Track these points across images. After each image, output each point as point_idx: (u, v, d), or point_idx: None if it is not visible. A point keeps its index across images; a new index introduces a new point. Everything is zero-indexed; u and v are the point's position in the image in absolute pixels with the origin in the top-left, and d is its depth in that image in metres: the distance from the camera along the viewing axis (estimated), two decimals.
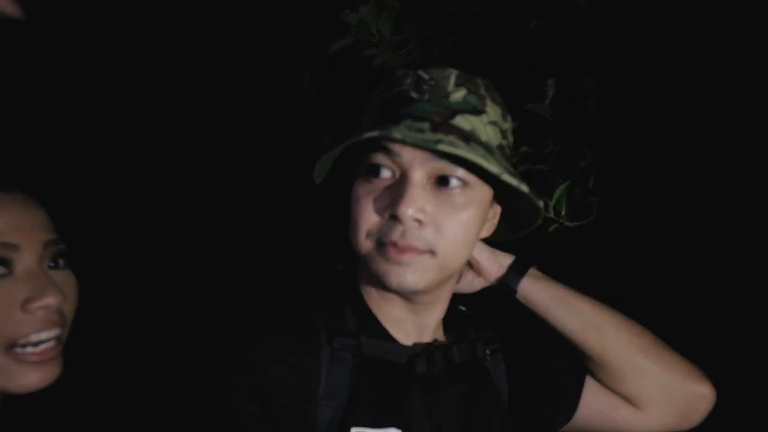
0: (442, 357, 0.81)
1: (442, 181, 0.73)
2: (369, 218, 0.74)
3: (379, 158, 0.73)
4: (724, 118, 1.46)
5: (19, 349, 0.67)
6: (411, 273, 0.72)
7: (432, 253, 0.73)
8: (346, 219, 0.79)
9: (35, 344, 0.68)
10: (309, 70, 1.81)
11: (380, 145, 0.72)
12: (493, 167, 0.68)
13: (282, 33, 2.41)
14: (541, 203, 0.77)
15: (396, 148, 0.71)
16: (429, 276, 0.74)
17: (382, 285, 0.77)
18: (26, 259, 0.69)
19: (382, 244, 0.73)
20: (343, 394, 0.73)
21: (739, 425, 1.35)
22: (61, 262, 0.74)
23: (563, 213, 1.07)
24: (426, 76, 0.76)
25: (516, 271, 0.92)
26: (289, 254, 2.59)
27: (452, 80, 0.75)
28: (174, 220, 3.04)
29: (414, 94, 0.75)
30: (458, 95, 0.75)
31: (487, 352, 0.89)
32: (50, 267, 0.73)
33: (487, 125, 0.76)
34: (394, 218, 0.71)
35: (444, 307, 0.86)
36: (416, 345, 0.82)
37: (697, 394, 0.90)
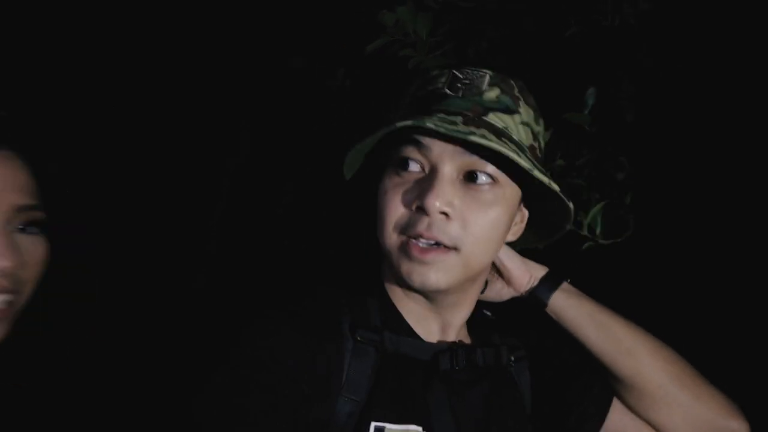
0: (465, 357, 0.80)
1: (471, 177, 0.72)
2: (396, 210, 0.74)
3: (410, 151, 0.73)
4: None
5: None
6: (434, 272, 0.72)
7: (456, 249, 0.72)
8: (372, 214, 0.79)
9: None
10: (343, 68, 1.80)
11: (411, 139, 0.72)
12: (524, 162, 0.68)
13: (317, 30, 2.40)
14: (571, 205, 0.76)
15: (427, 141, 0.71)
16: (452, 275, 0.73)
17: (405, 283, 0.77)
18: None
19: (406, 240, 0.73)
20: (364, 388, 0.72)
21: None
22: (33, 228, 0.70)
23: (598, 231, 1.04)
24: (460, 75, 0.76)
25: (548, 284, 0.90)
26: (309, 246, 2.60)
27: (486, 80, 0.76)
28: (189, 209, 3.08)
29: (448, 91, 0.75)
30: (492, 94, 0.75)
31: (512, 358, 0.87)
32: (18, 230, 0.68)
33: (520, 125, 0.75)
34: (421, 210, 0.71)
35: (469, 308, 0.85)
36: (440, 343, 0.81)
37: (728, 431, 0.86)
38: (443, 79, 0.77)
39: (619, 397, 0.90)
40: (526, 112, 0.77)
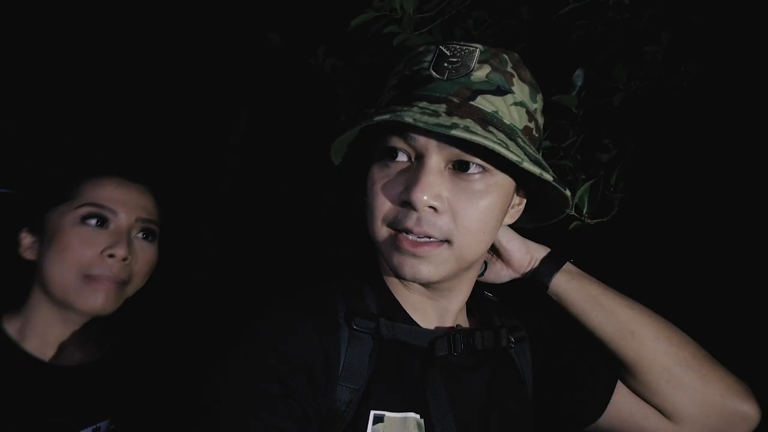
0: (463, 342, 0.79)
1: (460, 167, 0.69)
2: (384, 204, 0.72)
3: (395, 141, 0.70)
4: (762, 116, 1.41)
5: (89, 279, 0.92)
6: (425, 265, 0.70)
7: (448, 242, 0.70)
8: (362, 204, 0.77)
9: (101, 278, 0.93)
10: (324, 47, 1.76)
11: (396, 128, 0.69)
12: (511, 155, 0.64)
13: (296, 4, 2.34)
14: (568, 192, 0.73)
15: (411, 131, 0.68)
16: (445, 267, 0.72)
17: (397, 274, 0.75)
18: (120, 223, 0.97)
19: (395, 234, 0.71)
20: (363, 377, 0.71)
21: None
22: (149, 236, 1.02)
23: (585, 211, 1.04)
24: (448, 53, 0.71)
25: (550, 265, 0.87)
26: (308, 246, 2.58)
27: (476, 56, 0.71)
28: (189, 209, 3.03)
29: (433, 73, 0.71)
30: (481, 73, 0.71)
31: (512, 340, 0.85)
32: (138, 237, 1.00)
33: (512, 106, 0.71)
34: (408, 205, 0.69)
35: (466, 293, 0.83)
36: (438, 329, 0.80)
37: (737, 414, 0.82)
38: (429, 58, 0.72)
39: (623, 381, 0.88)
40: (520, 90, 0.73)
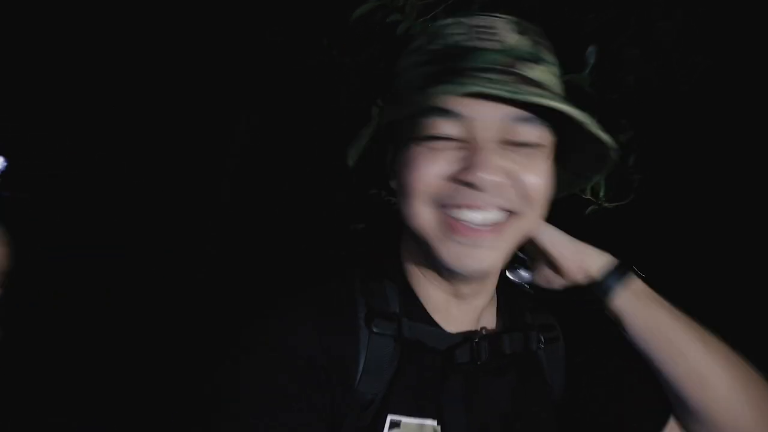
0: (489, 348, 0.72)
1: (515, 140, 0.64)
2: (433, 181, 0.64)
3: (443, 122, 0.63)
4: None
5: None
6: (487, 252, 0.65)
7: (513, 215, 0.65)
8: (394, 191, 0.71)
9: None
10: (327, 38, 1.74)
11: (442, 109, 0.63)
12: (585, 119, 0.59)
13: (299, 4, 2.32)
14: (613, 156, 0.67)
15: (462, 108, 0.62)
16: (503, 253, 0.67)
17: (432, 266, 0.70)
18: None
19: (447, 218, 0.64)
20: (382, 380, 0.68)
21: None
22: None
23: (602, 194, 0.99)
24: (481, 23, 0.66)
25: (611, 279, 0.75)
26: (309, 246, 2.57)
27: (509, 26, 0.66)
28: (188, 209, 3.06)
29: (474, 43, 0.65)
30: (518, 42, 0.66)
31: (542, 341, 0.77)
32: None
33: (549, 75, 0.67)
34: (468, 185, 0.63)
35: (494, 285, 0.76)
36: (462, 332, 0.74)
37: None
38: (461, 30, 0.66)
39: (678, 418, 0.76)
40: (550, 59, 0.68)
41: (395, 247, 0.77)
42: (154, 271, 3.33)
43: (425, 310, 0.74)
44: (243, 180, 3.13)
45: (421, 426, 0.68)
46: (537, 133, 0.65)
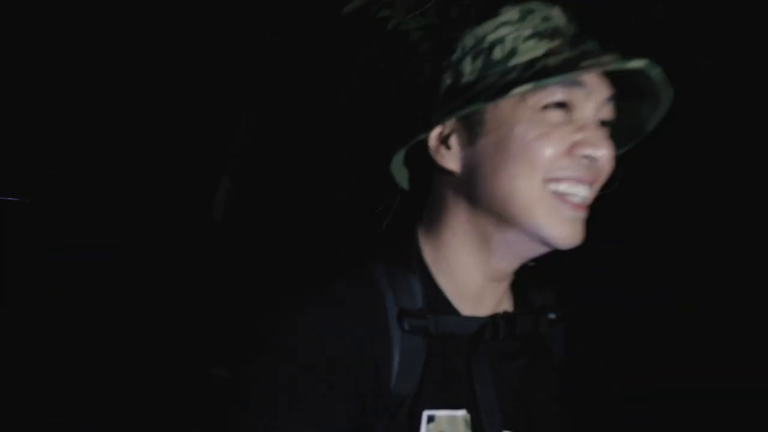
0: (506, 329, 0.74)
1: (602, 119, 0.67)
2: (551, 156, 0.64)
3: (569, 90, 0.64)
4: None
5: None
6: (583, 227, 0.67)
7: (593, 190, 0.67)
8: (502, 161, 0.68)
9: None
10: (326, 37, 1.75)
11: (568, 80, 0.64)
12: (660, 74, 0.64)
13: (298, 5, 2.34)
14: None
15: (590, 80, 0.65)
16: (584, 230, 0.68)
17: (489, 249, 0.71)
18: None
19: (556, 194, 0.65)
20: (415, 377, 0.68)
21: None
22: None
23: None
24: (565, 13, 0.70)
25: None
26: (309, 246, 2.58)
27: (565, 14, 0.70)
28: (188, 209, 3.07)
29: (577, 29, 0.69)
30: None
31: (550, 318, 0.79)
32: None
33: None
34: (590, 159, 0.64)
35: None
36: (483, 316, 0.75)
37: None
38: (557, 13, 0.69)
39: None
40: None
41: (412, 240, 0.77)
42: (154, 271, 3.34)
43: (447, 299, 0.74)
44: (243, 180, 3.15)
45: (453, 417, 0.69)
46: (612, 112, 0.68)
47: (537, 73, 0.64)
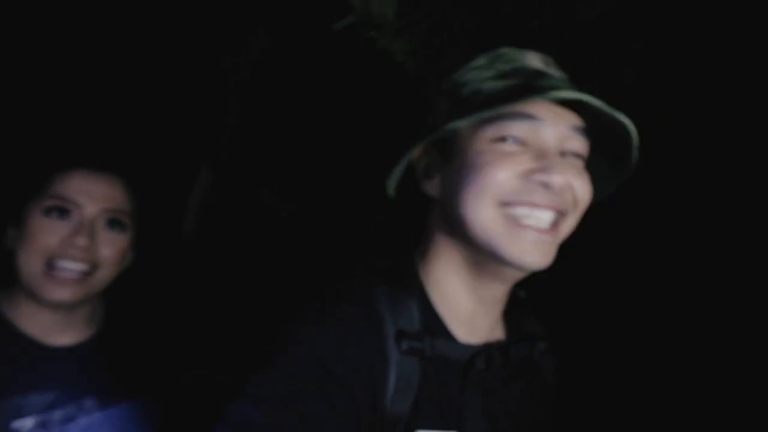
0: (501, 357, 0.77)
1: (567, 149, 0.70)
2: (504, 182, 0.68)
3: (518, 124, 0.68)
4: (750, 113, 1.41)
5: (52, 269, 0.94)
6: (549, 249, 0.69)
7: (563, 216, 0.69)
8: (457, 188, 0.72)
9: (63, 269, 0.94)
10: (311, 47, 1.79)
11: (518, 114, 0.68)
12: (633, 131, 0.68)
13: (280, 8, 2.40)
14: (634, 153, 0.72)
15: (540, 113, 0.68)
16: (555, 250, 0.70)
17: (473, 271, 0.74)
18: (83, 214, 0.98)
19: (511, 216, 0.68)
20: (410, 397, 0.70)
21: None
22: (115, 226, 1.00)
23: None
24: (540, 54, 0.75)
25: None
26: (310, 253, 2.56)
27: (538, 57, 0.75)
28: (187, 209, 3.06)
29: (543, 68, 0.73)
30: (562, 74, 0.75)
31: (542, 348, 0.82)
32: (104, 227, 0.99)
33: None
34: (544, 186, 0.67)
35: (508, 295, 0.80)
36: (480, 343, 0.77)
37: None
38: (523, 56, 0.74)
39: None
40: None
41: (411, 260, 0.80)
42: (154, 271, 3.27)
43: (444, 324, 0.76)
44: (232, 173, 3.12)
45: None
46: (584, 145, 0.71)
47: (477, 107, 0.70)
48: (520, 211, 0.68)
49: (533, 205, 0.67)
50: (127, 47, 2.77)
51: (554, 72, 0.73)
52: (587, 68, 1.39)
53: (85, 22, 2.68)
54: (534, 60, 0.74)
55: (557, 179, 0.66)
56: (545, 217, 0.68)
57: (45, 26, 2.62)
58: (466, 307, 0.76)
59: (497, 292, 0.76)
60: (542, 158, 0.67)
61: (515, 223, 0.68)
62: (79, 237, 0.95)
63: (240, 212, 3.07)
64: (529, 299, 0.88)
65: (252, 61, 2.90)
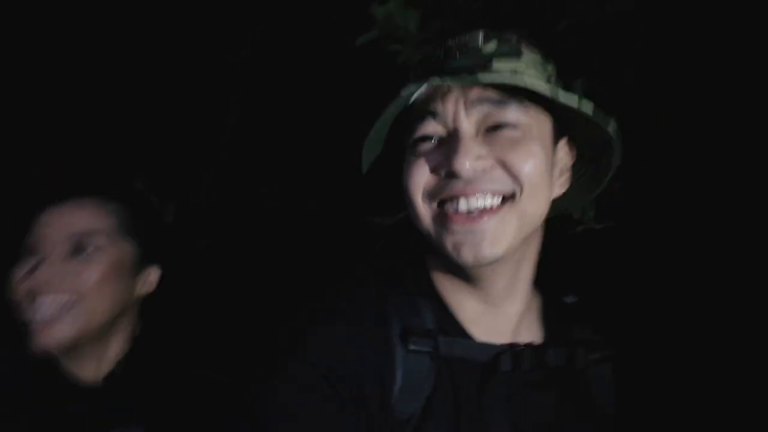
0: (531, 359, 0.72)
1: (494, 127, 0.67)
2: (422, 178, 0.68)
3: (424, 123, 0.68)
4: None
5: (30, 325, 0.89)
6: (487, 239, 0.65)
7: (509, 198, 0.67)
8: (399, 199, 0.74)
9: (41, 306, 0.89)
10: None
11: (423, 111, 0.68)
12: (542, 87, 0.63)
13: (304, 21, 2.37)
14: (611, 126, 0.68)
15: (439, 107, 0.67)
16: (508, 236, 0.66)
17: (453, 268, 0.70)
18: (46, 246, 0.92)
19: (441, 212, 0.67)
20: (420, 397, 0.67)
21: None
22: (78, 253, 0.92)
23: (590, 214, 1.04)
24: (455, 40, 0.71)
25: None
26: (310, 252, 2.55)
27: (480, 36, 0.70)
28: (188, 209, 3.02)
29: (444, 56, 0.70)
30: (491, 46, 0.70)
31: (590, 359, 0.75)
32: (68, 258, 0.91)
33: (529, 65, 0.70)
34: (452, 175, 0.65)
35: (524, 294, 0.76)
36: (501, 344, 0.73)
37: None
38: (438, 50, 0.72)
39: None
40: (531, 54, 0.71)
41: (421, 260, 0.78)
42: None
43: (460, 323, 0.73)
44: (232, 174, 3.10)
45: None
46: (516, 115, 0.67)
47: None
48: (447, 205, 0.67)
49: (452, 195, 0.66)
50: (128, 48, 2.72)
51: (473, 50, 0.69)
52: (587, 68, 1.41)
53: (85, 22, 2.63)
54: (450, 48, 0.71)
55: (459, 164, 0.64)
56: (465, 205, 0.66)
57: (45, 26, 2.56)
58: (474, 306, 0.74)
59: (491, 289, 0.72)
60: (452, 144, 0.66)
61: (444, 217, 0.67)
62: (40, 269, 0.90)
63: (240, 212, 3.06)
64: (582, 306, 0.82)
65: (252, 62, 2.89)
